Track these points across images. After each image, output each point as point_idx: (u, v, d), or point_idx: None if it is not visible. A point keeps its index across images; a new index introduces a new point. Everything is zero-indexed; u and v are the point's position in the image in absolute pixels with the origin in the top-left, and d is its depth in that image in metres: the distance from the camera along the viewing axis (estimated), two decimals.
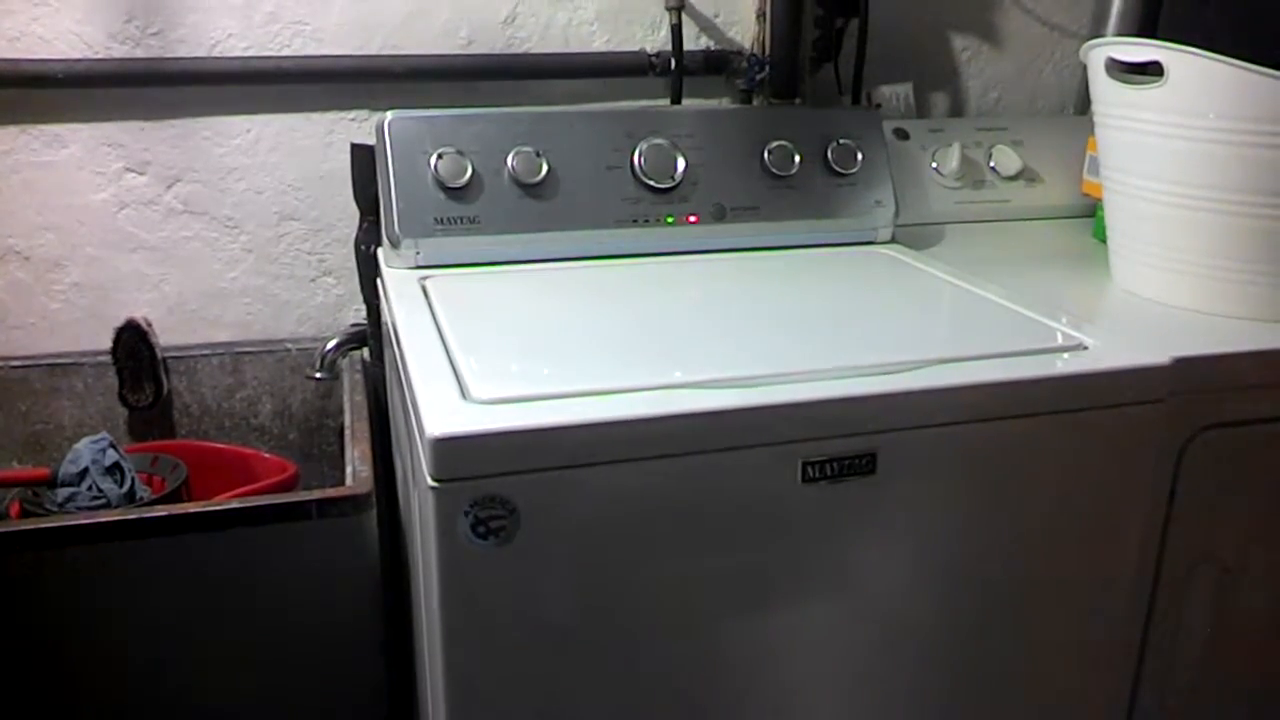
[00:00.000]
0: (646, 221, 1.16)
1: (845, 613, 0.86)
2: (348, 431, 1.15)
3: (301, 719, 1.10)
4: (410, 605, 1.10)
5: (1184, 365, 0.89)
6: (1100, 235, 1.29)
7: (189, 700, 1.03)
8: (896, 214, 1.23)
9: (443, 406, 0.76)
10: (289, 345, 1.39)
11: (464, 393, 0.78)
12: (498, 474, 0.74)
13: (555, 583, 0.78)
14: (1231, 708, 1.07)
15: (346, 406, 1.22)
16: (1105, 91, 1.08)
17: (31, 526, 0.93)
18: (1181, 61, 0.98)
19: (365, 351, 1.36)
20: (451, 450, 0.72)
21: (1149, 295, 1.08)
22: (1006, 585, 0.91)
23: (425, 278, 1.07)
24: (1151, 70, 1.01)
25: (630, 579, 0.80)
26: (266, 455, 1.32)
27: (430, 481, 0.73)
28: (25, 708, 0.99)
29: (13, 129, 1.28)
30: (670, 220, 1.16)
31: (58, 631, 0.98)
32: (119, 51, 1.27)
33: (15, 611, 0.96)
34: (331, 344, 1.34)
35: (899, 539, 0.85)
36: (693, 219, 1.17)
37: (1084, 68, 1.55)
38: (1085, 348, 0.91)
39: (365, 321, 1.34)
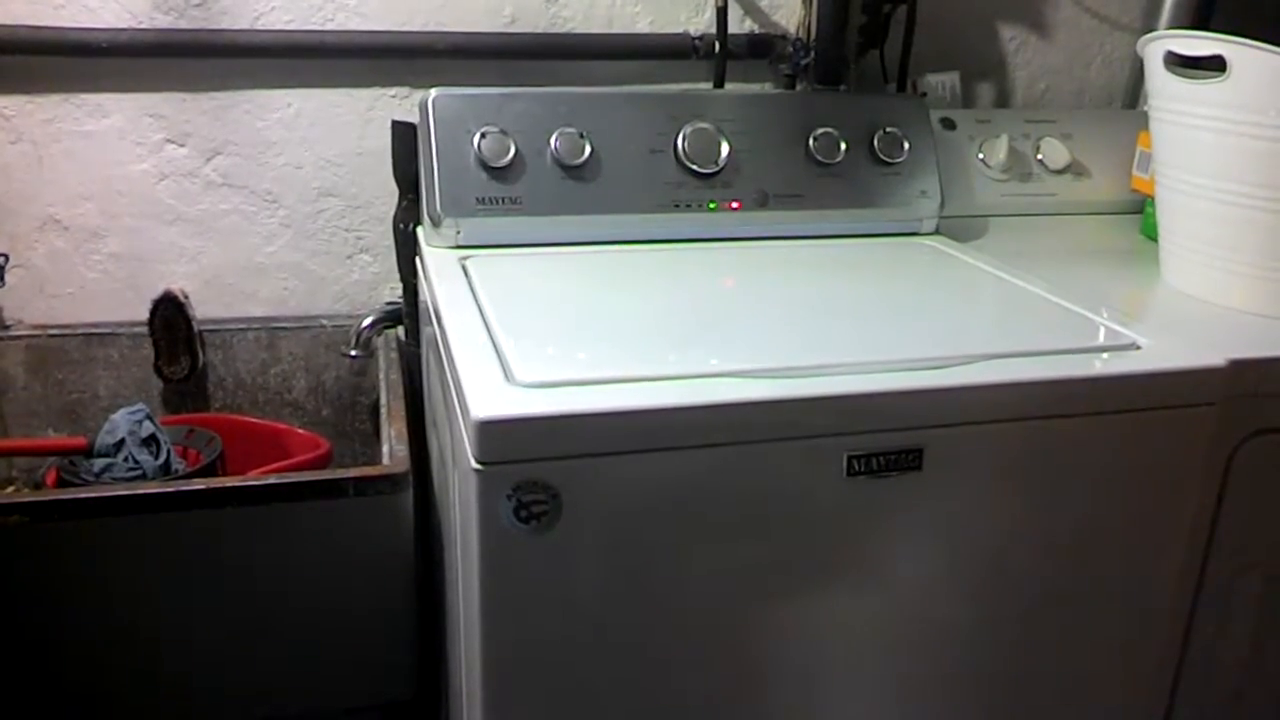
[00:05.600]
0: (688, 207, 1.14)
1: (882, 609, 0.85)
2: (384, 410, 1.14)
3: (330, 696, 1.10)
4: (440, 586, 1.10)
5: (1240, 368, 0.87)
6: (1149, 232, 1.26)
7: (220, 672, 1.04)
8: (942, 205, 1.22)
9: (487, 389, 0.75)
10: (324, 322, 1.38)
11: (508, 375, 0.78)
12: (541, 459, 0.73)
13: (594, 569, 0.77)
14: None
15: (382, 385, 1.21)
16: (1163, 86, 1.06)
17: (70, 496, 0.93)
18: (1245, 56, 0.96)
19: (400, 330, 1.35)
20: (496, 433, 0.71)
21: (1201, 295, 1.06)
22: (1048, 586, 0.89)
23: (466, 257, 1.06)
24: (1212, 65, 0.99)
25: (669, 568, 0.79)
26: (300, 431, 1.32)
27: (474, 464, 0.72)
28: (58, 677, 1.00)
29: (55, 98, 1.28)
30: (713, 206, 1.15)
31: (92, 601, 0.98)
32: (163, 22, 1.27)
33: (50, 580, 0.97)
34: (367, 321, 1.33)
35: (942, 536, 0.84)
36: (735, 205, 1.16)
37: (1135, 61, 1.54)
38: (1138, 347, 0.89)
39: (401, 300, 1.34)
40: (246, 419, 1.34)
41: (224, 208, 1.35)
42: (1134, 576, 0.91)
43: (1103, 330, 0.93)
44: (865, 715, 0.89)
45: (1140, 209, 1.33)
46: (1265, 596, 1.00)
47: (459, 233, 1.09)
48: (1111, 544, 0.89)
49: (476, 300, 0.94)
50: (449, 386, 0.85)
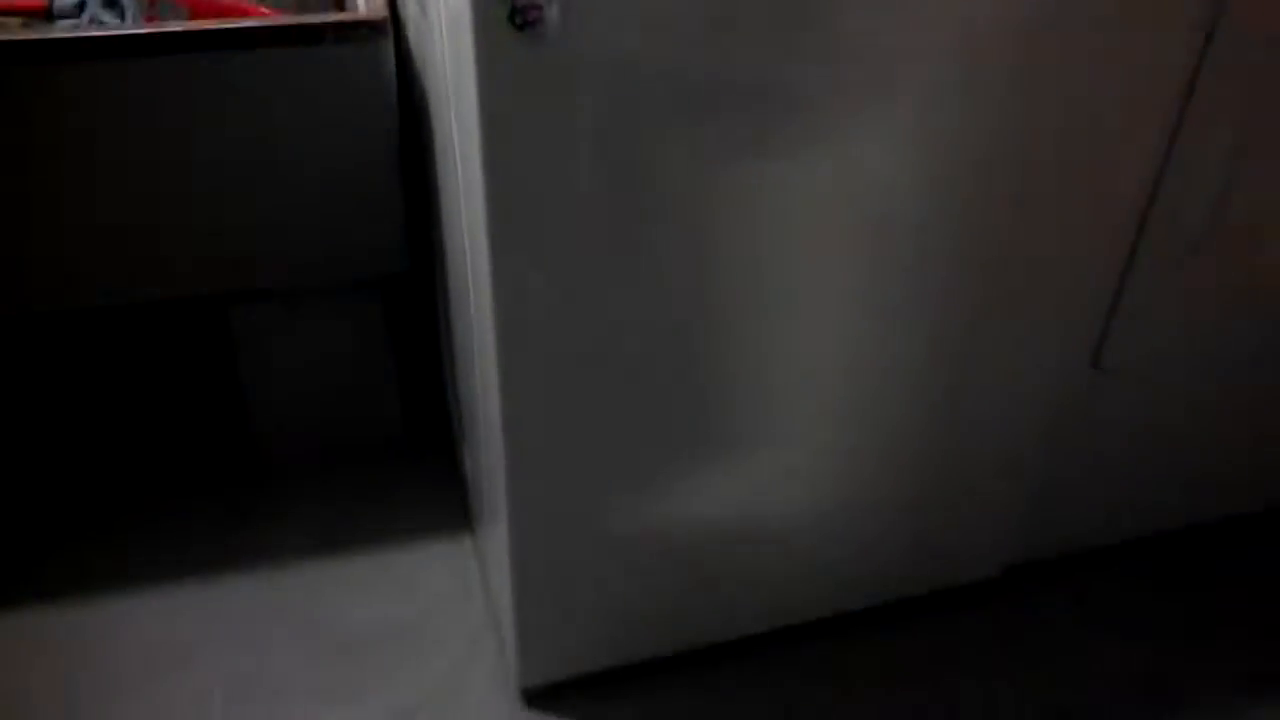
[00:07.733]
0: None
1: (866, 183, 0.87)
2: None
3: (324, 272, 1.12)
4: (425, 159, 1.10)
5: None
6: None
7: (201, 239, 1.04)
8: None
9: None
10: None
11: None
12: None
13: (592, 89, 0.76)
14: (1231, 263, 1.10)
15: None
16: None
17: (41, 37, 0.89)
18: None
19: None
20: None
21: None
22: (1025, 142, 0.91)
23: None
24: None
25: (660, 99, 0.78)
26: (266, 10, 1.26)
27: None
28: (23, 237, 0.99)
29: None
30: None
31: (60, 158, 0.96)
32: None
33: (14, 135, 0.94)
34: None
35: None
36: None
37: None
38: None
39: None
40: None
41: None
42: (1113, 129, 0.93)
43: None
44: (842, 304, 0.93)
45: None
46: (1234, 152, 1.02)
47: None
48: (1096, 93, 0.90)
49: None
50: None
